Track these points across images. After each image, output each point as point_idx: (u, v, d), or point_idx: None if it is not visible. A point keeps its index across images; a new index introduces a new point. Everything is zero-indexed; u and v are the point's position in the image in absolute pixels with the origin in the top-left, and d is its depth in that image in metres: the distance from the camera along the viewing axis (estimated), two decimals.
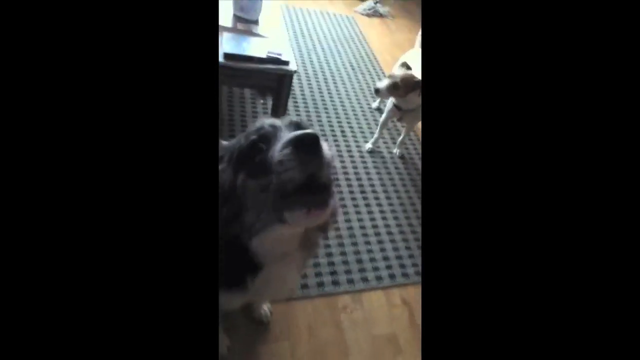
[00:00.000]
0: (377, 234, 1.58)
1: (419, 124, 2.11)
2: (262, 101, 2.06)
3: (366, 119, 2.20)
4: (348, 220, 1.60)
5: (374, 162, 1.94)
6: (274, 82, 1.52)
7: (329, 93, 2.30)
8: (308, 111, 2.12)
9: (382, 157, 1.99)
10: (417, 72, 1.71)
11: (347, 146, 1.98)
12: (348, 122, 2.14)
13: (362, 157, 1.95)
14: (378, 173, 1.89)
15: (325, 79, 2.41)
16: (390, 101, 1.85)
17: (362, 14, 3.35)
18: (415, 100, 1.73)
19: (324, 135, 2.00)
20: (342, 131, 2.07)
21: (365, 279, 1.40)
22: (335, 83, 2.40)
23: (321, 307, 1.28)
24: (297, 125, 0.61)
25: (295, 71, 1.50)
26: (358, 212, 1.65)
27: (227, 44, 1.42)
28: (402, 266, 1.48)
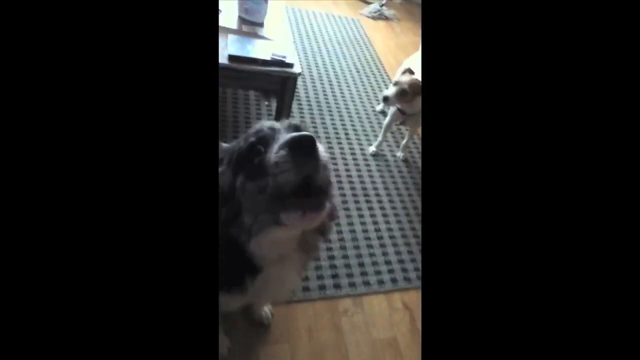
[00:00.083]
0: (380, 238, 1.58)
1: None
2: (266, 103, 2.06)
3: (370, 122, 2.20)
4: (351, 224, 1.60)
5: (377, 165, 1.94)
6: (278, 84, 1.52)
7: (333, 95, 2.30)
8: (312, 113, 2.12)
9: (386, 161, 1.98)
10: (420, 77, 1.71)
11: (351, 149, 1.98)
12: (352, 125, 2.14)
13: (365, 160, 1.95)
14: (381, 176, 1.88)
15: (329, 81, 2.41)
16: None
17: (368, 17, 3.35)
18: (419, 104, 1.73)
19: (328, 137, 2.00)
20: (346, 134, 2.06)
21: (367, 283, 1.40)
22: (339, 85, 2.41)
23: (322, 310, 1.28)
24: (296, 128, 0.61)
25: (299, 73, 1.50)
26: (361, 216, 1.65)
27: (231, 46, 1.43)
28: (404, 270, 1.48)
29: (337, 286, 1.36)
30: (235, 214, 0.61)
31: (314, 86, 2.32)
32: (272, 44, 1.55)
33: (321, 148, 0.54)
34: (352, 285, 1.37)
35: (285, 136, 0.54)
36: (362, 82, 2.50)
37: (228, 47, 1.42)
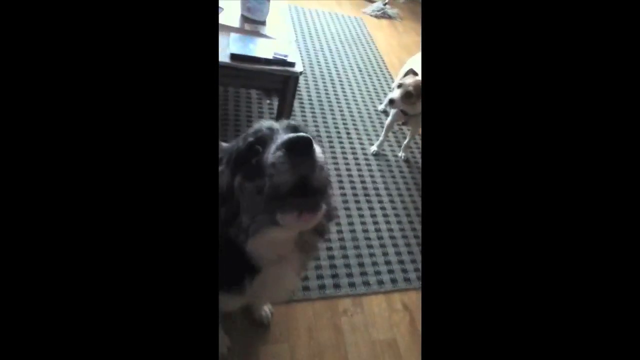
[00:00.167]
0: (380, 238, 1.58)
1: None
2: (268, 101, 2.06)
3: (372, 121, 2.19)
4: (351, 223, 1.60)
5: (378, 165, 1.93)
6: (279, 83, 1.52)
7: (335, 94, 2.30)
8: (314, 112, 2.12)
9: (387, 160, 1.98)
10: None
11: (352, 148, 1.98)
12: (354, 124, 2.13)
13: (366, 159, 1.94)
14: (382, 176, 1.88)
15: (331, 80, 2.41)
16: None
17: (371, 15, 3.34)
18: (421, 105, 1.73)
19: (329, 136, 2.00)
20: (348, 133, 2.06)
21: (366, 283, 1.39)
22: (341, 84, 2.40)
23: (322, 309, 1.28)
24: (294, 129, 0.61)
25: (301, 73, 1.49)
26: (361, 215, 1.65)
27: (233, 45, 1.43)
28: (404, 271, 1.47)
29: (336, 286, 1.35)
30: (233, 213, 0.61)
31: (316, 85, 2.32)
32: (274, 42, 1.54)
33: (318, 149, 0.54)
34: (351, 285, 1.37)
35: (282, 137, 0.54)
36: (364, 81, 2.50)
37: (230, 45, 1.42)
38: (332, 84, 2.38)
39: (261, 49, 1.47)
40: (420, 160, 2.05)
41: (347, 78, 2.47)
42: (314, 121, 2.06)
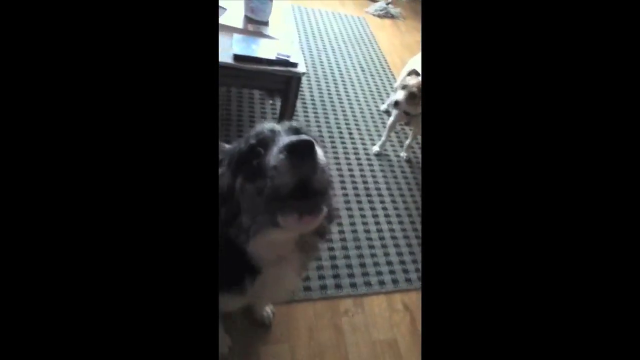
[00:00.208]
0: (382, 238, 1.58)
1: None
2: (271, 102, 2.07)
3: (374, 121, 2.19)
4: (353, 224, 1.60)
5: (380, 165, 1.93)
6: (282, 83, 1.53)
7: (337, 94, 2.30)
8: (316, 112, 2.12)
9: (389, 160, 1.98)
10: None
11: (355, 148, 1.98)
12: (356, 124, 2.13)
13: (369, 159, 1.94)
14: (384, 176, 1.88)
15: (334, 80, 2.41)
16: None
17: (374, 15, 3.34)
18: None
19: (331, 136, 2.00)
20: (350, 133, 2.06)
21: (368, 283, 1.40)
22: (344, 84, 2.40)
23: (323, 310, 1.29)
24: (296, 131, 0.61)
25: (303, 73, 1.50)
26: (363, 216, 1.65)
27: (236, 46, 1.43)
28: (405, 271, 1.48)
29: (338, 286, 1.36)
30: (234, 214, 0.61)
31: (319, 85, 2.32)
32: (277, 43, 1.55)
33: (320, 152, 0.54)
34: (353, 285, 1.38)
35: (284, 139, 0.54)
36: (367, 81, 2.50)
37: (233, 46, 1.42)
38: (335, 83, 2.38)
39: (264, 49, 1.47)
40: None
41: (350, 78, 2.47)
42: (317, 121, 2.07)
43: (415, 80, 1.70)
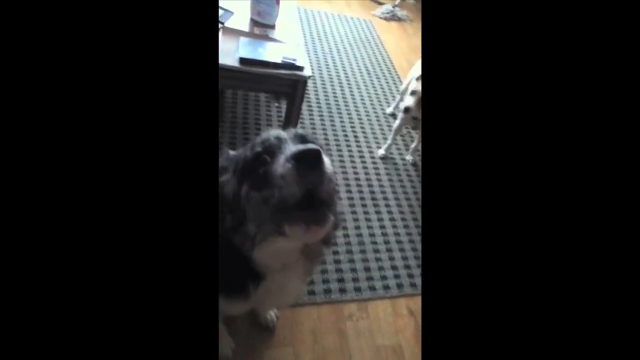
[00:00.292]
0: (387, 242, 1.57)
1: None
2: (276, 105, 2.07)
3: (380, 124, 2.19)
4: (358, 227, 1.60)
5: (386, 168, 1.93)
6: (288, 87, 1.53)
7: (343, 97, 2.30)
8: (322, 115, 2.12)
9: (395, 164, 1.97)
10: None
11: (360, 152, 1.98)
12: (362, 127, 2.13)
13: (374, 163, 1.94)
14: (390, 180, 1.87)
15: (340, 83, 2.41)
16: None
17: (380, 18, 3.33)
18: None
19: (337, 140, 2.00)
20: (355, 136, 2.06)
21: (372, 288, 1.39)
22: (350, 87, 2.40)
23: (327, 314, 1.28)
24: (302, 138, 0.61)
25: (309, 77, 1.50)
26: (368, 219, 1.64)
27: (243, 49, 1.44)
28: (410, 276, 1.47)
29: (342, 290, 1.36)
30: (239, 222, 0.61)
31: (324, 88, 2.32)
32: (283, 46, 1.55)
33: (327, 160, 0.54)
34: (357, 289, 1.37)
35: (291, 148, 0.54)
36: (373, 84, 2.49)
37: (239, 49, 1.43)
38: (341, 86, 2.38)
39: (270, 52, 1.48)
40: None
41: (356, 81, 2.47)
42: (322, 124, 2.07)
43: None
